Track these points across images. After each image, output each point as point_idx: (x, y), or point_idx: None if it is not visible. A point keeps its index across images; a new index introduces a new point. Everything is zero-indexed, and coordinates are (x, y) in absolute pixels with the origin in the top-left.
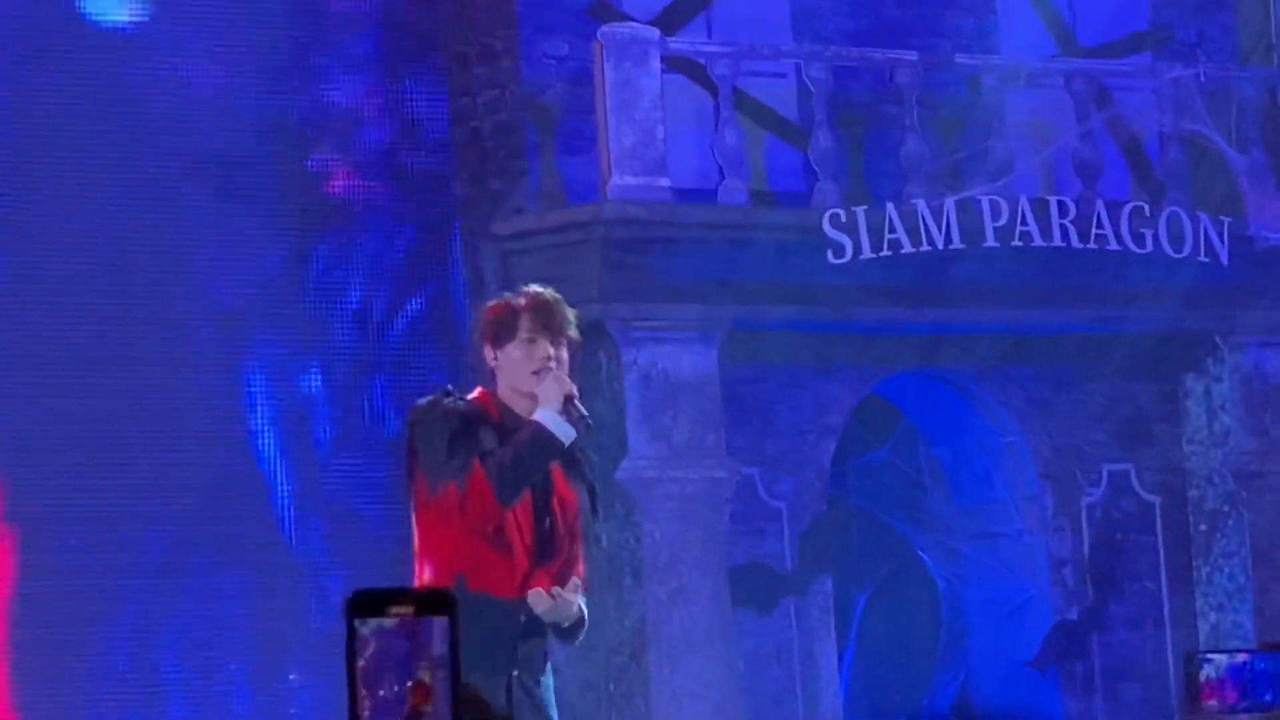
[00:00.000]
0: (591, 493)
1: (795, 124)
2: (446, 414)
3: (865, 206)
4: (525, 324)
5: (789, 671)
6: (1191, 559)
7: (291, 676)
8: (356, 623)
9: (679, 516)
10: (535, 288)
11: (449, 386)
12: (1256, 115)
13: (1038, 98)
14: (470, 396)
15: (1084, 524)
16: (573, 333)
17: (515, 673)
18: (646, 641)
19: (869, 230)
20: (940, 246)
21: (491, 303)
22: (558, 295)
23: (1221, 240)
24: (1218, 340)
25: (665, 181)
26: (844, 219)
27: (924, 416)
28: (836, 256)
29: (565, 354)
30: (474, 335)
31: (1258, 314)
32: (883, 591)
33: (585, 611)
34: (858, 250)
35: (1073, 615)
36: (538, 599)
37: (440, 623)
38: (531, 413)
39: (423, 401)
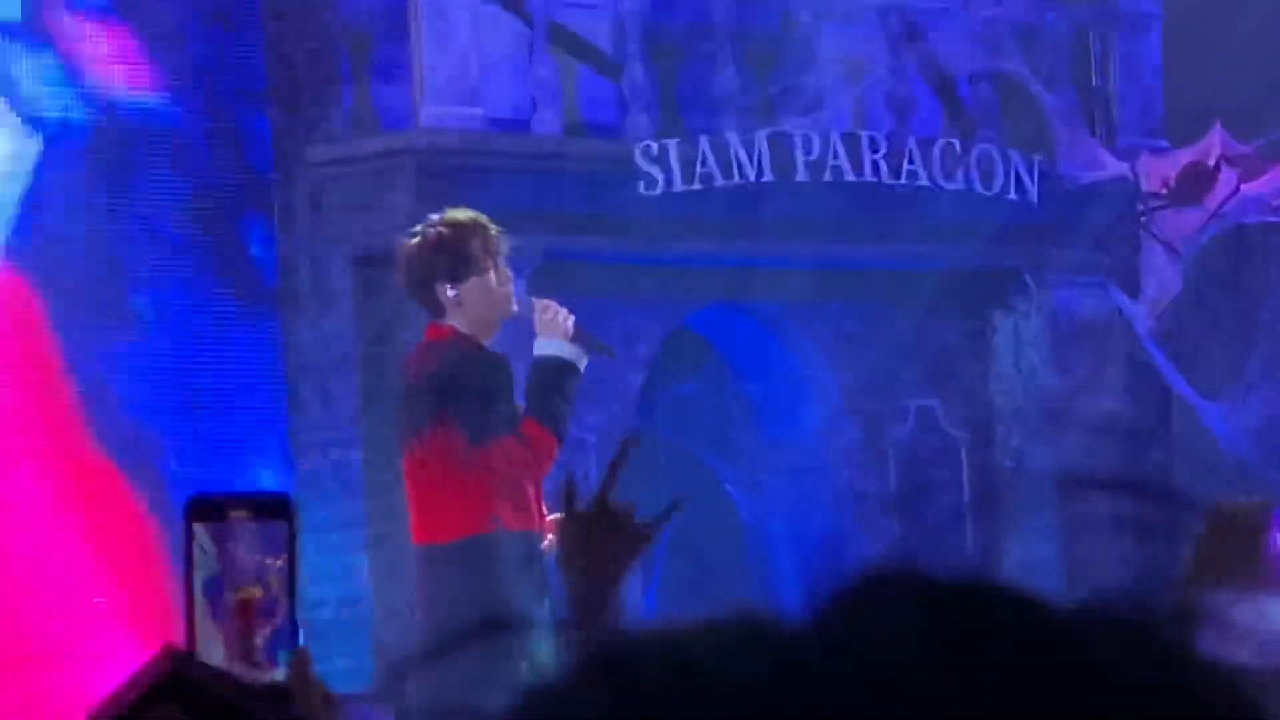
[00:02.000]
0: None
1: (609, 55)
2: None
3: (678, 139)
4: (480, 252)
5: None
6: (997, 496)
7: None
8: (195, 528)
9: None
10: (455, 214)
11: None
12: (1067, 55)
13: (851, 33)
14: (440, 337)
15: (890, 460)
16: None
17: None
18: None
19: (681, 163)
20: (752, 180)
21: (417, 240)
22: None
23: (1031, 178)
24: (1026, 278)
25: (479, 111)
26: (656, 151)
27: (733, 350)
28: (648, 188)
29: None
30: (412, 274)
31: (1066, 252)
32: (688, 524)
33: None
34: (669, 183)
35: (878, 551)
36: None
37: (279, 527)
38: (488, 339)
39: (438, 350)
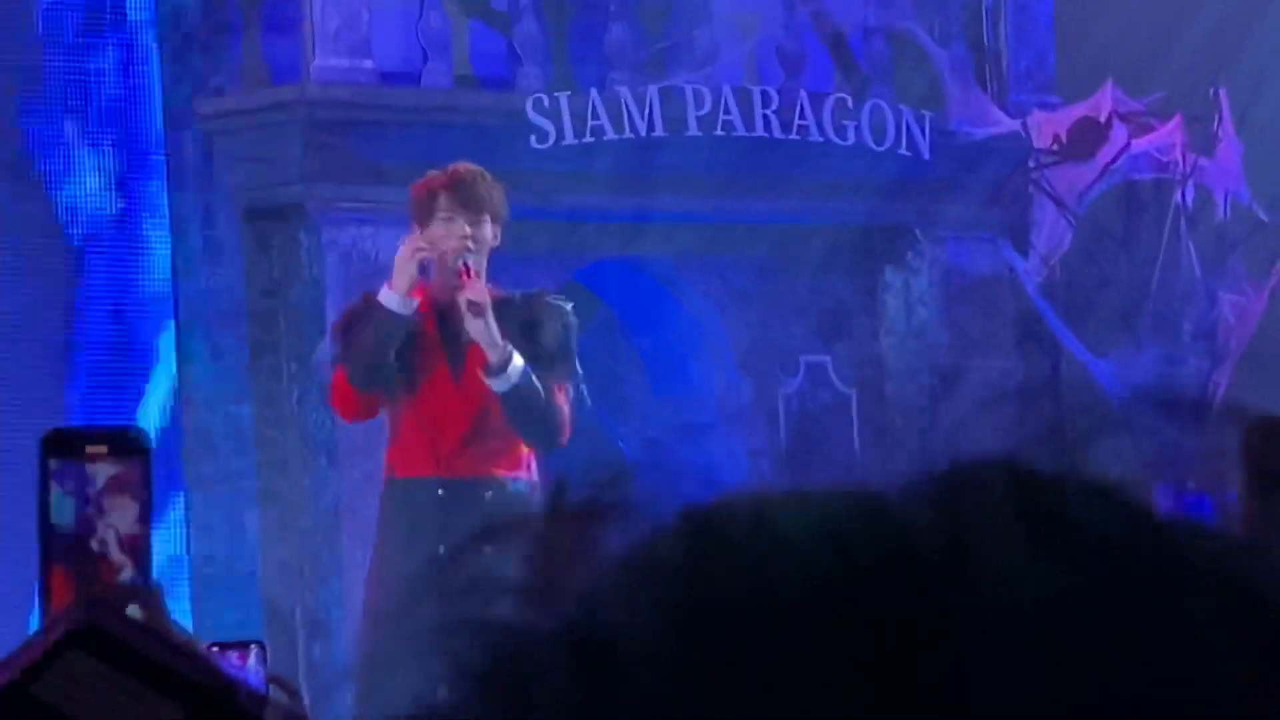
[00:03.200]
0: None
1: (501, 8)
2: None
3: (569, 92)
4: (442, 202)
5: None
6: (888, 452)
7: None
8: (50, 464)
9: None
10: (460, 165)
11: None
12: (960, 10)
13: None
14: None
15: (781, 415)
16: (501, 210)
17: (442, 548)
18: (341, 523)
19: (572, 116)
20: (643, 134)
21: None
22: (482, 171)
23: (923, 134)
24: (917, 234)
25: (369, 64)
26: (547, 104)
27: (624, 304)
28: (539, 142)
29: (488, 232)
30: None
31: (958, 208)
32: (578, 479)
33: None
34: (560, 136)
35: None
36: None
37: (135, 463)
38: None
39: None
